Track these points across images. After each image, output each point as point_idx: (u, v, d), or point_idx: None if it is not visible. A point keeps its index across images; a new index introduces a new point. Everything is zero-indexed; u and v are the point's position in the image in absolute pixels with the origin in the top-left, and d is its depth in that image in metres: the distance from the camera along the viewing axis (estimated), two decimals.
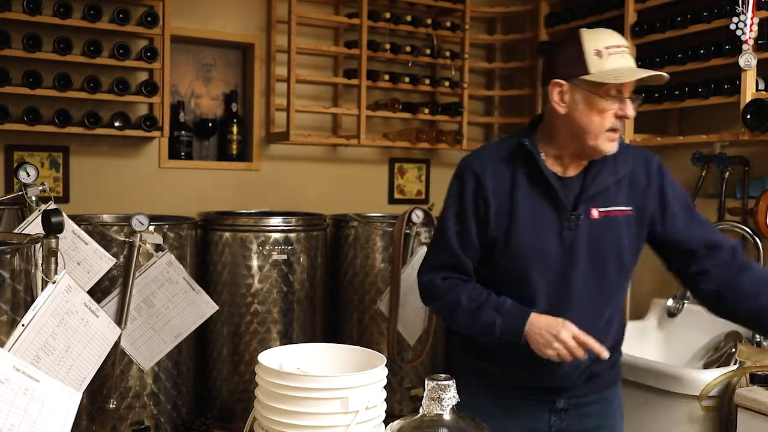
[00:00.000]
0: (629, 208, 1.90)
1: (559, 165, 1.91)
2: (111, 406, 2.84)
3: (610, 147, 1.83)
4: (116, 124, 3.21)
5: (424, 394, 1.39)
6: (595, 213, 1.87)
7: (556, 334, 1.76)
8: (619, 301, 1.98)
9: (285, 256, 3.17)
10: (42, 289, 1.53)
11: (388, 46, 3.75)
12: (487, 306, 1.86)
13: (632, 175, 1.92)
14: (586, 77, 1.79)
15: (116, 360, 2.80)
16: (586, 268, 1.86)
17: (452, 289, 1.93)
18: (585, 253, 1.86)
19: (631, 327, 2.60)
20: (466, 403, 2.04)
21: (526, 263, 1.87)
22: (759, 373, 2.13)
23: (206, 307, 2.88)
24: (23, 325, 1.45)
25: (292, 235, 3.20)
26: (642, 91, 3.07)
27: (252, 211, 3.57)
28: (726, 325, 2.78)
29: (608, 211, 1.88)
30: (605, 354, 1.76)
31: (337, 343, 1.76)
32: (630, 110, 1.81)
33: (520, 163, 1.91)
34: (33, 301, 1.50)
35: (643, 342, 3.07)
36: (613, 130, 1.82)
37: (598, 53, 1.79)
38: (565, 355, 1.77)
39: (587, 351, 1.80)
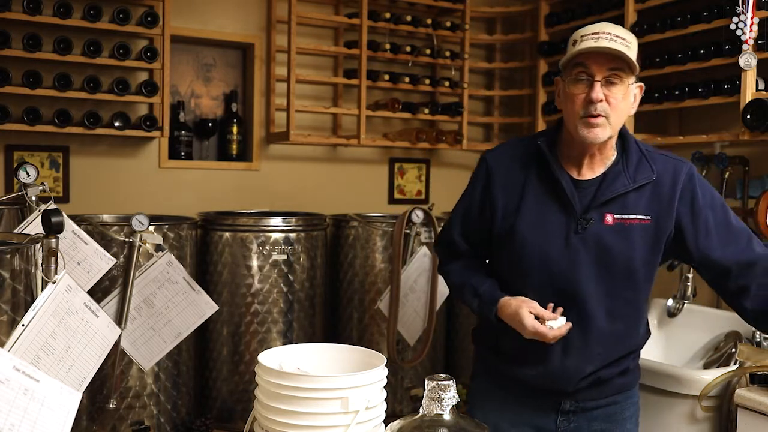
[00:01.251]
0: (647, 217, 1.81)
1: (575, 166, 1.86)
2: (111, 406, 2.84)
3: (589, 135, 1.75)
4: (116, 124, 3.21)
5: (424, 394, 1.39)
6: (609, 219, 1.80)
7: (521, 320, 1.78)
8: (632, 312, 1.89)
9: (285, 256, 3.17)
10: (42, 289, 1.53)
11: (388, 46, 3.75)
12: (469, 286, 1.97)
13: (656, 183, 1.82)
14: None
15: (116, 360, 2.80)
16: (590, 273, 1.81)
17: (449, 262, 2.09)
18: (590, 258, 1.81)
19: None
20: (478, 401, 2.06)
21: (527, 261, 1.85)
22: (759, 373, 2.13)
23: (206, 307, 2.89)
24: (23, 325, 1.45)
25: (292, 235, 3.20)
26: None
27: (252, 211, 3.57)
28: (726, 325, 2.78)
29: (624, 218, 1.80)
30: (549, 335, 1.76)
31: (337, 343, 1.76)
32: (595, 93, 1.71)
33: (535, 162, 1.88)
34: (33, 301, 1.50)
35: None
36: (588, 116, 1.73)
37: (574, 42, 1.76)
38: (537, 335, 1.78)
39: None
